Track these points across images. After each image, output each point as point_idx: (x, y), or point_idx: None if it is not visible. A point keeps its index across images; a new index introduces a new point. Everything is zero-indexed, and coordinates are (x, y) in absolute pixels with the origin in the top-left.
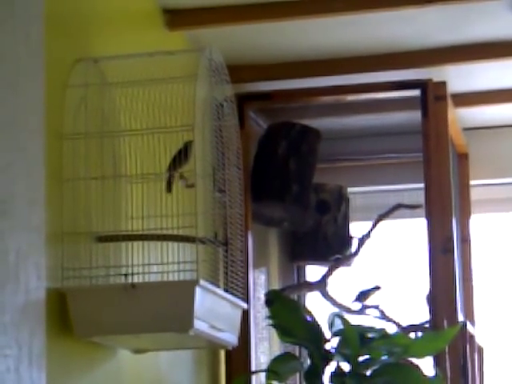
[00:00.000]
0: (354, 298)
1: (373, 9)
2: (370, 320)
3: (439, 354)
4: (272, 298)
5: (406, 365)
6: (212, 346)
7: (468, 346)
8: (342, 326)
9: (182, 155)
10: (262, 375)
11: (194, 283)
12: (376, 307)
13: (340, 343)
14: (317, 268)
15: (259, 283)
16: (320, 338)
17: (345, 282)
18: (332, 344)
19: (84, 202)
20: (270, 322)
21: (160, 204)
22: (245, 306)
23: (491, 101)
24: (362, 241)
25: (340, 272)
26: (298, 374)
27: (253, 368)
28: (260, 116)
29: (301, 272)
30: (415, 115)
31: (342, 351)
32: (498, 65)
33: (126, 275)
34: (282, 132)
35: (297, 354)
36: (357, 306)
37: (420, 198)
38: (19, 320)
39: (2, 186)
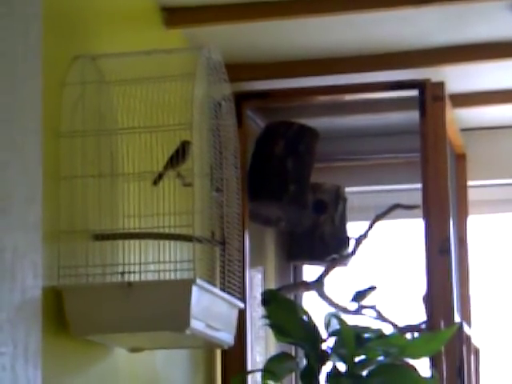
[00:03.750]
0: (351, 298)
1: (371, 8)
2: (366, 320)
3: (435, 354)
4: (268, 298)
5: (403, 365)
6: (208, 346)
7: (464, 347)
8: (338, 326)
9: (179, 154)
10: (258, 375)
11: (190, 282)
12: (372, 307)
13: (336, 343)
14: (313, 268)
15: (256, 283)
16: (316, 338)
17: (341, 282)
18: (328, 344)
19: (81, 200)
20: (267, 321)
21: (157, 202)
22: (241, 305)
23: (489, 101)
24: (358, 241)
25: (337, 272)
26: (293, 374)
27: (249, 368)
28: (258, 115)
29: (297, 272)
30: (413, 115)
31: (338, 351)
32: (496, 65)
33: (122, 273)
34: (279, 131)
35: (293, 353)
36: (353, 306)
37: (417, 199)
38: (15, 318)
39: None
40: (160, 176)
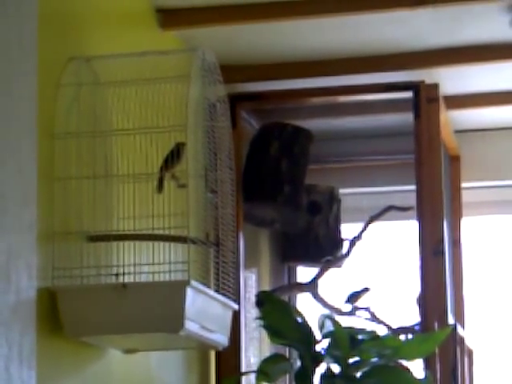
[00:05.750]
0: (345, 299)
1: (366, 10)
2: (360, 322)
3: (429, 356)
4: (263, 299)
5: (396, 367)
6: (202, 347)
7: (458, 349)
8: (332, 328)
9: (174, 156)
10: (252, 376)
11: (185, 284)
12: (366, 309)
13: (330, 345)
14: (308, 269)
15: (250, 284)
16: (310, 340)
17: (335, 284)
18: (322, 345)
19: (75, 201)
20: (261, 323)
21: (151, 204)
22: (235, 306)
23: (483, 103)
24: (353, 242)
25: (331, 273)
26: (287, 376)
27: (243, 369)
28: (252, 116)
29: (292, 273)
30: (407, 117)
31: (332, 353)
32: (490, 67)
33: (116, 275)
34: (274, 133)
35: (287, 355)
36: (347, 307)
37: (411, 200)
38: (10, 319)
39: None
40: (161, 180)
